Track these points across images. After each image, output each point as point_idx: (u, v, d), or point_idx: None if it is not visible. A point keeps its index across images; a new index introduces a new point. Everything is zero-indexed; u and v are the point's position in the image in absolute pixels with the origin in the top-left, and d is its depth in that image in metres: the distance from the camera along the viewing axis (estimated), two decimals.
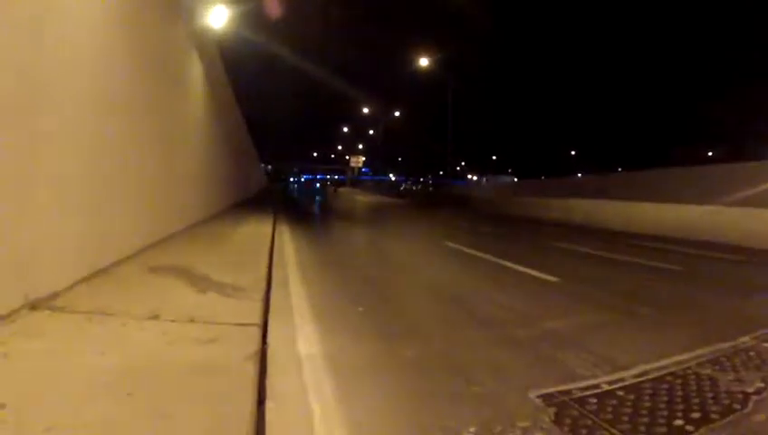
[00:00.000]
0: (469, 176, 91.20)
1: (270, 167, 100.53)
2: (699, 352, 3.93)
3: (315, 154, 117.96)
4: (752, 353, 3.94)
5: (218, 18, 12.27)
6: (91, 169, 4.98)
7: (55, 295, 4.03)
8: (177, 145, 9.24)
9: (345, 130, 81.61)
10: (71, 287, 4.36)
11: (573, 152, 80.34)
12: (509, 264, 8.40)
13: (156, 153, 7.54)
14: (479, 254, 9.71)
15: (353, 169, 57.77)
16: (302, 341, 4.05)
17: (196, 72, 11.25)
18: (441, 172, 66.91)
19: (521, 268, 7.96)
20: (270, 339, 3.89)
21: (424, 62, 36.37)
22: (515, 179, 62.52)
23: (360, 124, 73.03)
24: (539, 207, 22.65)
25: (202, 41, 11.64)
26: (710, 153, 56.03)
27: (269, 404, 2.76)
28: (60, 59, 4.16)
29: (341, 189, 60.26)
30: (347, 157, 62.67)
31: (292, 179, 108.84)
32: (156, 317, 3.78)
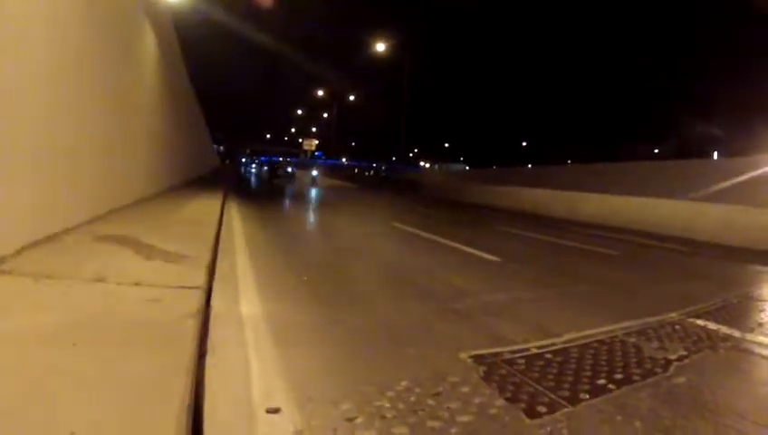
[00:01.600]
0: (422, 163, 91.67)
1: (222, 147, 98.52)
2: (627, 323, 4.13)
3: (268, 136, 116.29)
4: (677, 327, 4.17)
5: None
6: (40, 139, 4.85)
7: (2, 260, 3.96)
8: (126, 118, 8.97)
9: (299, 112, 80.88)
10: (18, 252, 4.27)
11: (525, 143, 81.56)
12: (454, 244, 8.56)
13: (105, 126, 7.31)
14: (426, 234, 9.85)
15: (306, 151, 57.17)
16: (245, 303, 4.10)
17: (148, 42, 10.91)
18: (394, 158, 67.19)
19: (465, 248, 8.12)
20: (214, 301, 3.92)
21: (380, 47, 36.18)
22: (467, 168, 63.18)
23: (314, 107, 72.53)
24: (489, 194, 23.05)
25: (155, 10, 11.31)
26: (656, 150, 57.66)
27: (209, 358, 2.81)
28: (3, 25, 4.00)
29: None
30: (300, 139, 62.14)
31: (244, 160, 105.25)
32: (102, 280, 3.76)
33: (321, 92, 63.10)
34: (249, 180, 42.94)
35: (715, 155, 41.32)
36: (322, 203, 20.28)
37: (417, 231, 10.36)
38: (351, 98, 62.43)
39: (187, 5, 15.16)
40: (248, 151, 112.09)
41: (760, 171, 12.32)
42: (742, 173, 12.64)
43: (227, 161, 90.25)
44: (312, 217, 14.37)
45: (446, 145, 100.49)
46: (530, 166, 40.61)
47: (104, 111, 7.18)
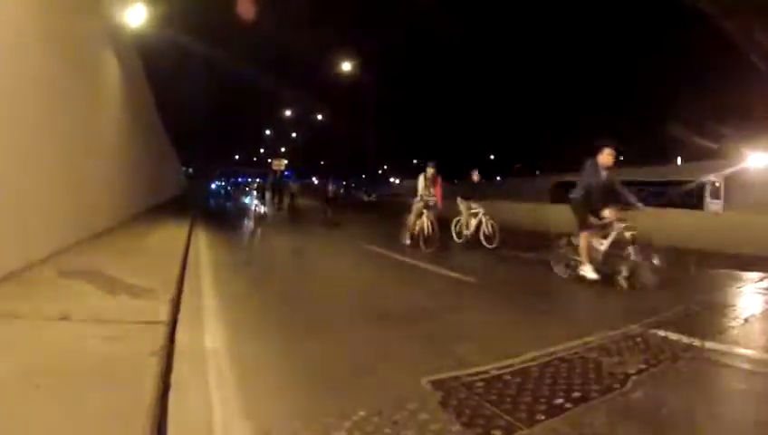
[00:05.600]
0: (392, 179, 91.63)
1: (191, 169, 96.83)
2: (588, 338, 4.16)
3: (237, 157, 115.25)
4: (638, 339, 4.22)
5: (137, 16, 11.88)
6: (3, 173, 4.81)
7: None
8: (90, 147, 8.82)
9: (268, 132, 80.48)
10: None
11: (492, 157, 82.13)
12: (423, 265, 8.52)
13: (67, 156, 7.19)
14: (395, 256, 9.80)
15: (276, 171, 56.91)
16: (209, 337, 4.06)
17: (111, 69, 10.76)
18: (363, 175, 67.34)
19: (433, 268, 8.11)
20: (178, 336, 3.89)
21: (347, 66, 36.37)
22: None
23: (283, 127, 72.34)
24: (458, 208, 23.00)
25: (119, 37, 11.21)
26: (621, 158, 58.63)
27: (172, 394, 2.82)
28: None
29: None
30: (269, 160, 61.78)
31: (214, 185, 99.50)
32: (66, 318, 3.76)
33: (289, 112, 63.21)
34: (222, 212, 28.79)
35: (679, 160, 41.86)
36: (288, 223, 20.00)
37: (387, 252, 10.29)
38: (320, 117, 62.59)
39: (154, 31, 15.09)
40: (218, 172, 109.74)
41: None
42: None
43: (196, 183, 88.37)
44: (278, 239, 14.15)
45: (415, 161, 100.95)
46: (498, 178, 41.05)
47: (65, 143, 7.05)
